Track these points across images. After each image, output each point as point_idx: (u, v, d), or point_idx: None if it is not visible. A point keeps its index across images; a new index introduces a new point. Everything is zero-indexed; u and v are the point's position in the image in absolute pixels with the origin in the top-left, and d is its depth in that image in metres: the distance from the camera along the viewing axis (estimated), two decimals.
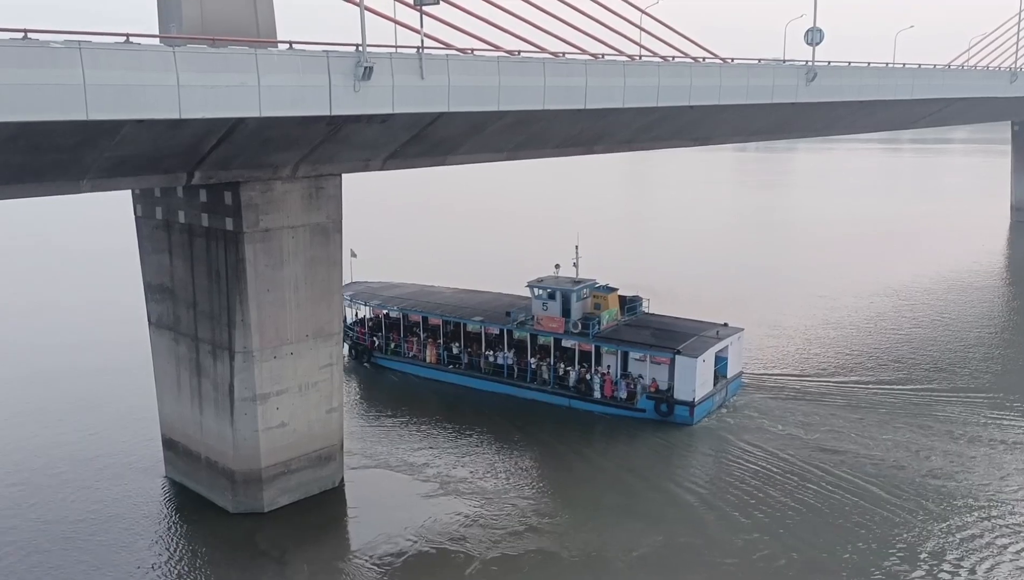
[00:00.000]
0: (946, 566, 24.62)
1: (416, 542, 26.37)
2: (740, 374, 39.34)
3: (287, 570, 25.16)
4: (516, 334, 40.32)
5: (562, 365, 38.66)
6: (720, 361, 37.55)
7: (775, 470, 31.02)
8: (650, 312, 41.78)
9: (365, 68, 22.00)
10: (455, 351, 41.74)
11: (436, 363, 42.01)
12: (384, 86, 22.73)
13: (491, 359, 40.46)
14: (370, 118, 23.54)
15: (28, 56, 17.00)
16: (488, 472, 31.36)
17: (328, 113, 22.02)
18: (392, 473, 31.39)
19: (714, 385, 36.80)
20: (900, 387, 39.60)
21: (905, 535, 26.39)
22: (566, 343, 38.96)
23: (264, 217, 26.13)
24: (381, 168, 28.29)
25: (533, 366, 39.23)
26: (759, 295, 57.59)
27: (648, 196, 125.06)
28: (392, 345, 43.81)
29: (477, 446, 33.81)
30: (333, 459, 29.94)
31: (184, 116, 19.29)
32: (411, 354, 42.96)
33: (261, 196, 25.90)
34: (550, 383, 38.65)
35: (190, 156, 22.70)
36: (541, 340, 39.82)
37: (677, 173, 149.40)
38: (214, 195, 26.22)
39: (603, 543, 26.14)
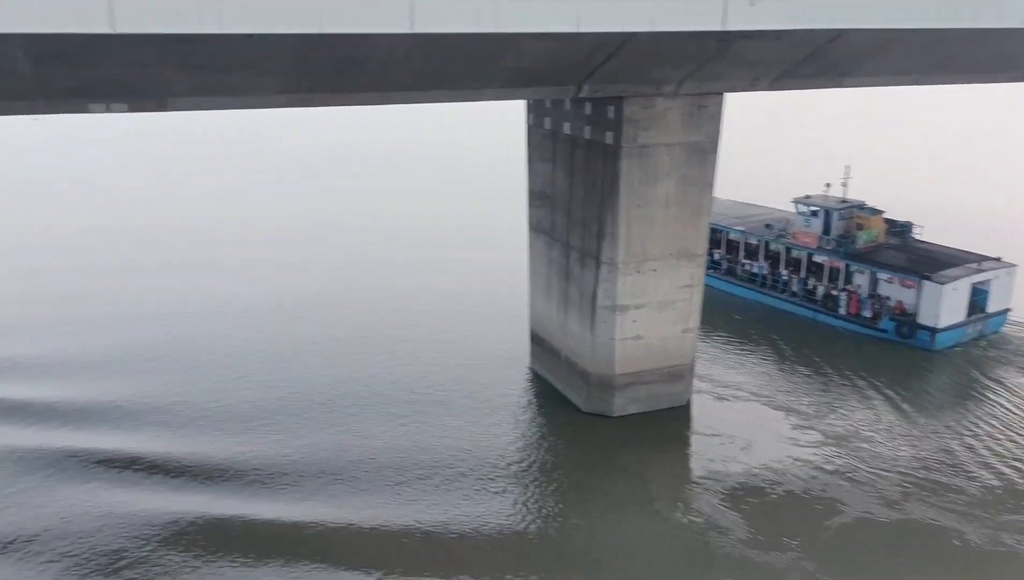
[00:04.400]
0: None
1: (769, 479, 25.55)
2: (1006, 310, 37.61)
3: (640, 480, 25.58)
4: (772, 245, 42.38)
5: (812, 279, 40.01)
6: (979, 293, 36.68)
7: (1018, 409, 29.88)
8: (920, 239, 41.16)
9: None
10: (716, 257, 43.50)
11: None
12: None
13: (747, 267, 42.88)
14: (763, 34, 22.20)
15: None
16: (826, 408, 30.33)
17: (720, 28, 21.18)
18: (731, 398, 31.20)
19: (967, 316, 35.98)
20: None
21: None
22: (817, 258, 40.26)
23: (643, 133, 26.34)
24: (769, 88, 26.73)
25: (784, 277, 40.81)
26: None
27: None
28: None
29: (787, 369, 34.07)
30: (683, 378, 30.24)
31: (581, 30, 19.87)
32: None
33: (642, 112, 26.08)
34: (799, 295, 39.95)
35: (580, 69, 23.45)
36: (794, 253, 41.36)
37: None
38: (598, 109, 26.98)
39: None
